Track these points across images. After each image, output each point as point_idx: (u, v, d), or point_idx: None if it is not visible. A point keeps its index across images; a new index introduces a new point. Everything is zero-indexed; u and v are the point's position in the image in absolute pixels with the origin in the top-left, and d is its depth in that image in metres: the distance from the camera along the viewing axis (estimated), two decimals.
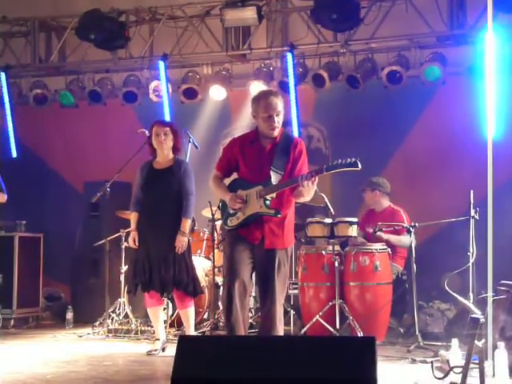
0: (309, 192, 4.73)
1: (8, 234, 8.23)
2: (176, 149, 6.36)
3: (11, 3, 8.94)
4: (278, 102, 4.86)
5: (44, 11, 8.90)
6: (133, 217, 6.35)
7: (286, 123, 5.92)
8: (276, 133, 4.89)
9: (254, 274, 4.98)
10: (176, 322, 7.03)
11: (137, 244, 6.20)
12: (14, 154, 9.07)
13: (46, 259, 8.57)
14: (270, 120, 4.82)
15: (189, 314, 6.30)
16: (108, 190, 7.25)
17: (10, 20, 8.86)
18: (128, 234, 6.65)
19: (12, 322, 8.00)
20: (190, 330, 6.33)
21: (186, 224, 6.17)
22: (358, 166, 4.58)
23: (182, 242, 6.11)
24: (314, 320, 6.48)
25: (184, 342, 3.29)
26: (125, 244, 7.49)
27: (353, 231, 6.70)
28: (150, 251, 6.16)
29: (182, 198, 6.19)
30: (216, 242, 7.19)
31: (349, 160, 4.60)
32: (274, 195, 4.82)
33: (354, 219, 6.81)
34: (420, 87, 7.85)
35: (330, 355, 3.34)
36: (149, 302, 6.27)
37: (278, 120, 4.85)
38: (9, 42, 8.91)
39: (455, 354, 4.94)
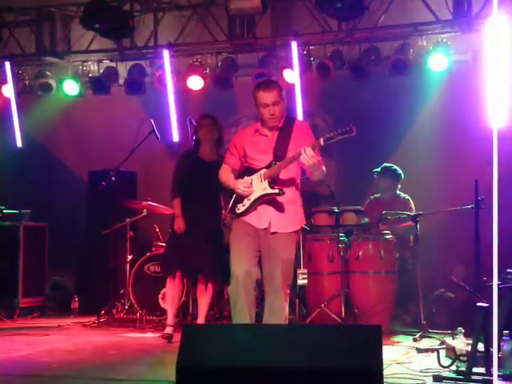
0: (313, 167, 4.74)
1: (13, 223, 8.24)
2: (220, 142, 6.45)
3: None
4: (274, 92, 4.88)
5: (49, 0, 8.88)
6: (176, 203, 6.40)
7: (291, 112, 5.92)
8: (277, 122, 4.92)
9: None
10: (181, 312, 7.04)
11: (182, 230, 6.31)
12: (19, 144, 9.08)
13: (51, 248, 8.58)
14: (268, 111, 4.87)
15: (209, 301, 6.45)
16: (113, 178, 7.26)
17: (15, 9, 8.84)
18: (134, 222, 6.64)
19: (17, 311, 8.02)
20: (203, 316, 6.41)
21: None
22: (353, 132, 4.62)
23: None
24: (318, 309, 6.49)
25: (189, 331, 3.29)
26: (130, 233, 7.52)
27: (358, 220, 6.69)
28: (189, 238, 6.27)
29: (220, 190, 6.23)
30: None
31: (344, 128, 4.62)
32: (277, 177, 4.84)
33: (360, 208, 6.80)
34: (425, 76, 7.83)
35: (335, 343, 3.35)
36: (172, 286, 6.39)
37: (277, 109, 4.88)
38: (13, 32, 8.89)
39: (461, 342, 4.94)
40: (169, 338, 6.17)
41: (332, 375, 3.24)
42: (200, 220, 6.31)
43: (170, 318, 6.42)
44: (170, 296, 6.49)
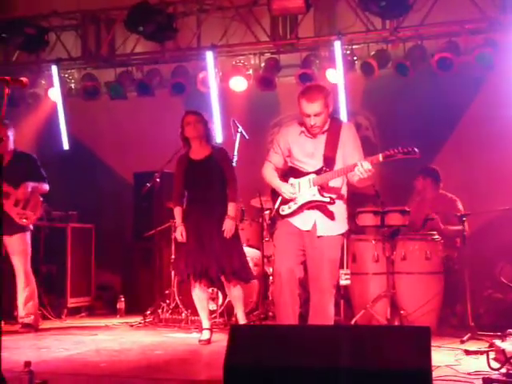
0: (366, 179, 4.71)
1: (61, 224, 8.35)
2: (210, 137, 6.33)
3: None
4: (317, 103, 4.80)
5: (93, 4, 8.99)
6: (176, 212, 6.32)
7: (335, 112, 5.89)
8: (318, 131, 4.89)
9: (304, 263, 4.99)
10: (226, 312, 7.06)
11: (185, 237, 6.20)
12: (66, 147, 9.19)
13: (97, 249, 8.69)
14: (309, 121, 4.84)
15: (240, 295, 6.27)
16: (158, 180, 7.32)
17: (61, 14, 8.97)
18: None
19: (65, 311, 8.13)
20: (241, 312, 6.30)
21: (233, 208, 6.18)
22: (416, 154, 4.56)
23: (229, 226, 6.10)
24: (364, 310, 6.44)
25: (236, 331, 3.30)
26: (174, 234, 7.56)
27: (403, 220, 6.63)
28: (196, 242, 6.13)
29: (225, 184, 6.20)
30: (265, 232, 7.20)
31: (407, 149, 4.57)
32: (326, 183, 4.82)
33: (405, 208, 6.73)
34: (471, 73, 7.72)
35: (383, 345, 3.31)
36: (197, 291, 6.27)
37: (318, 120, 4.83)
38: (60, 36, 9.02)
39: (511, 344, 4.85)
40: (206, 342, 6.16)
41: (380, 377, 3.21)
42: (207, 221, 6.14)
43: (205, 322, 6.33)
44: (195, 301, 6.34)
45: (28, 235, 6.96)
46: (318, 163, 4.87)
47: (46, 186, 7.05)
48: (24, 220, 6.84)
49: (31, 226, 6.96)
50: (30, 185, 6.88)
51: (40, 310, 7.24)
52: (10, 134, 6.96)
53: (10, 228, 6.71)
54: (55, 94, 9.06)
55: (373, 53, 8.08)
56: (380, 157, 4.64)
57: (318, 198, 4.83)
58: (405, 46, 7.90)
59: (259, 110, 8.90)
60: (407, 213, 6.69)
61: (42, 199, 7.01)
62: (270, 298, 7.04)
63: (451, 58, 7.59)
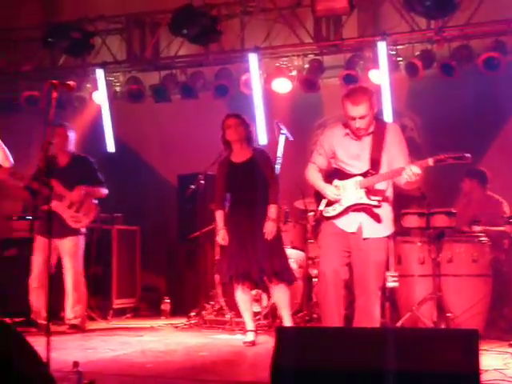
0: (412, 182, 4.67)
1: (106, 226, 8.45)
2: (251, 139, 6.31)
3: (107, 1, 9.17)
4: (362, 106, 4.78)
5: (138, 8, 9.08)
6: (218, 215, 6.32)
7: (379, 113, 5.86)
8: (363, 133, 4.87)
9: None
10: (270, 314, 7.06)
11: (227, 241, 6.20)
12: (112, 149, 9.30)
13: (142, 251, 8.76)
14: (355, 123, 4.81)
15: (285, 296, 6.19)
16: (202, 182, 7.36)
17: (106, 18, 9.08)
18: None
19: (111, 312, 8.22)
20: (287, 314, 6.22)
21: (274, 210, 6.17)
22: (468, 160, 4.51)
23: (270, 228, 6.09)
24: (410, 313, 6.38)
25: (282, 333, 3.30)
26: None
27: (449, 222, 6.55)
28: (239, 245, 6.13)
29: (267, 186, 6.18)
30: (309, 233, 7.18)
31: (458, 154, 4.53)
32: (372, 185, 4.78)
33: (451, 210, 6.65)
34: None
35: (430, 348, 3.27)
36: (240, 293, 6.26)
37: (363, 123, 4.81)
38: (105, 40, 9.13)
39: None
40: (251, 344, 6.16)
41: (427, 381, 3.17)
42: (249, 223, 6.12)
43: (249, 324, 6.33)
44: (239, 303, 6.33)
45: (81, 238, 7.02)
46: (364, 165, 4.84)
47: (103, 191, 7.11)
48: (76, 223, 6.93)
49: (83, 230, 7.02)
50: (85, 188, 6.96)
51: (86, 311, 7.32)
52: (70, 136, 7.06)
53: (61, 230, 6.80)
54: (100, 98, 9.15)
55: (417, 53, 8.00)
56: (430, 161, 4.60)
57: (365, 200, 4.80)
58: (450, 45, 7.81)
59: (302, 111, 8.87)
60: (453, 214, 6.61)
61: (96, 203, 7.08)
62: (314, 300, 7.02)
63: (498, 57, 7.48)
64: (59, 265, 6.96)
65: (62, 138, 6.99)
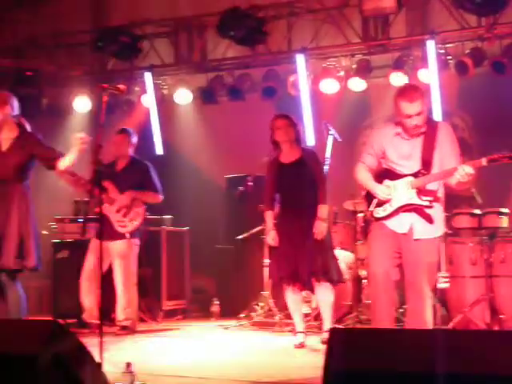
0: (464, 182, 4.62)
1: (155, 228, 8.51)
2: (299, 140, 6.28)
3: (155, 5, 9.26)
4: (418, 103, 4.73)
5: (186, 11, 9.14)
6: (267, 216, 6.32)
7: (428, 113, 5.79)
8: (420, 130, 4.80)
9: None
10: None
11: (277, 241, 6.20)
12: (160, 152, 9.37)
13: (191, 253, 8.81)
14: (411, 121, 4.75)
15: (330, 300, 6.15)
16: (250, 184, 7.37)
17: (154, 21, 9.17)
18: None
19: (161, 314, 8.28)
20: (329, 318, 6.16)
21: (324, 210, 6.14)
22: None
23: (320, 228, 6.07)
24: (461, 315, 6.29)
25: (336, 334, 3.28)
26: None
27: (503, 222, 6.44)
28: (288, 246, 6.11)
29: (316, 187, 6.15)
30: (358, 234, 7.13)
31: (511, 153, 4.45)
32: (424, 186, 4.73)
33: (504, 209, 6.54)
34: None
35: (483, 350, 3.22)
36: (290, 294, 6.24)
37: (420, 119, 4.76)
38: (153, 43, 9.21)
39: None
40: (301, 345, 6.13)
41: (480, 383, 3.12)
42: (298, 223, 6.09)
43: (298, 325, 6.29)
44: (289, 304, 6.31)
45: (133, 241, 7.06)
46: (416, 165, 4.79)
47: (156, 197, 7.13)
48: (121, 228, 6.99)
49: (128, 235, 7.02)
50: (134, 193, 7.01)
51: (137, 313, 7.38)
52: (132, 141, 7.14)
53: (111, 233, 6.88)
54: (148, 100, 9.24)
55: (467, 51, 7.88)
56: (483, 161, 4.52)
57: (417, 201, 4.75)
58: (501, 42, 7.68)
59: (350, 111, 8.82)
60: (505, 214, 6.50)
61: (145, 208, 7.10)
62: (364, 301, 6.97)
63: None
64: (111, 267, 7.03)
65: (122, 143, 7.09)
